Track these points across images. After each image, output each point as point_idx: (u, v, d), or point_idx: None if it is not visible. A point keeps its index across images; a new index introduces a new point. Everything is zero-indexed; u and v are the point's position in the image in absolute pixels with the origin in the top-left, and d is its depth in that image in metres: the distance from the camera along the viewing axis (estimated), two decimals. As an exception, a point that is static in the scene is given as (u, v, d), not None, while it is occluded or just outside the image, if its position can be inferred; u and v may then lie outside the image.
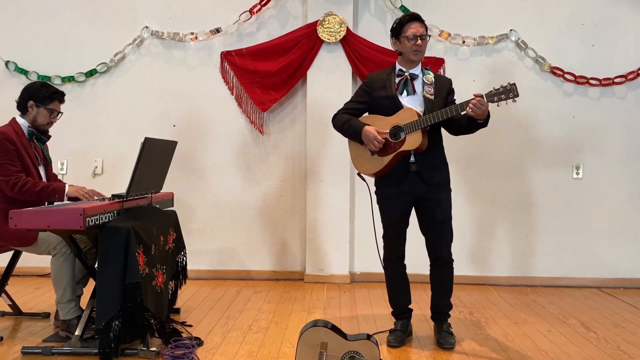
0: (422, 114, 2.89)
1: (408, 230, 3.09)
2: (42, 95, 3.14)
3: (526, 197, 4.48)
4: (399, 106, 2.94)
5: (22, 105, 3.16)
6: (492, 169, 4.41)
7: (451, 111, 2.80)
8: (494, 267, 4.49)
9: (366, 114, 3.10)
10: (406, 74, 2.99)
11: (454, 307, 3.18)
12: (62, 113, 3.26)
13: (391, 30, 3.04)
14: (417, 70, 3.01)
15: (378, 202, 3.10)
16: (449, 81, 3.08)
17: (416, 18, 2.99)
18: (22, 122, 3.15)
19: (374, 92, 3.05)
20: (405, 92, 2.98)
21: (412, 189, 2.97)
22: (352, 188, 4.49)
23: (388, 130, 2.92)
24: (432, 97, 2.94)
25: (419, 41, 2.93)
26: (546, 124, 4.46)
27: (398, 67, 3.03)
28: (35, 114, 3.15)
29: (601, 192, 4.47)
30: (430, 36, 3.05)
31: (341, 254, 4.45)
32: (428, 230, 3.04)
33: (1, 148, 2.99)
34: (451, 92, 3.04)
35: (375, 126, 2.95)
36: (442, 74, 4.19)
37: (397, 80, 3.00)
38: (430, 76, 3.01)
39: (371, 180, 3.13)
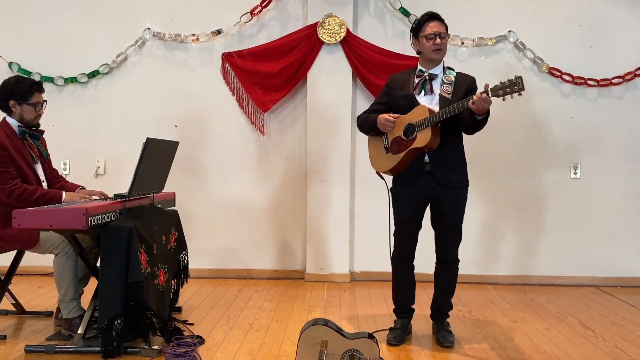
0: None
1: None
2: (20, 92, 3.07)
3: (525, 196, 4.48)
4: (415, 105, 2.93)
5: (4, 107, 3.10)
6: (491, 169, 4.41)
7: (458, 107, 2.76)
8: (493, 266, 4.50)
9: None
10: (425, 74, 2.97)
11: (454, 306, 3.17)
12: (47, 101, 3.19)
13: (411, 31, 3.03)
14: (437, 70, 2.98)
15: (392, 200, 3.07)
16: (471, 80, 2.99)
17: (435, 17, 2.96)
18: (12, 121, 3.10)
19: (393, 92, 3.05)
20: (423, 91, 2.96)
21: (425, 189, 2.95)
22: (352, 188, 4.49)
23: (402, 128, 2.91)
24: (448, 96, 2.89)
25: (438, 40, 2.90)
26: (544, 124, 4.45)
27: (419, 67, 3.01)
28: (20, 112, 3.09)
29: (599, 191, 4.47)
30: (449, 35, 3.00)
31: (341, 253, 4.45)
32: (438, 229, 3.03)
33: None
34: (471, 90, 2.91)
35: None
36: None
37: (416, 80, 2.99)
38: (451, 75, 2.97)
39: (389, 179, 3.11)
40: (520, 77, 2.66)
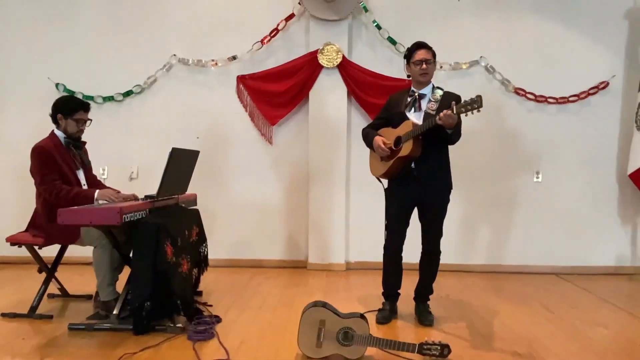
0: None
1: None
2: (67, 109, 3.09)
3: (496, 197, 4.47)
4: (405, 120, 2.93)
5: (54, 119, 3.12)
6: (468, 173, 4.39)
7: (430, 122, 2.76)
8: (469, 256, 4.49)
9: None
10: (415, 94, 2.97)
11: (434, 290, 3.17)
12: (91, 120, 3.19)
13: (404, 57, 3.03)
14: (426, 90, 2.97)
15: (385, 199, 3.08)
16: (456, 98, 2.87)
17: (422, 46, 2.95)
18: (59, 133, 3.11)
19: (391, 109, 3.06)
20: (413, 109, 2.96)
21: (412, 191, 2.95)
22: (348, 190, 4.50)
23: (393, 140, 2.94)
24: (432, 112, 2.87)
25: (424, 65, 2.91)
26: (512, 135, 4.45)
27: (412, 88, 3.02)
28: (65, 125, 3.10)
29: (558, 193, 4.46)
30: (436, 60, 2.99)
31: (338, 245, 4.45)
32: (423, 225, 3.04)
33: (40, 160, 2.97)
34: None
35: (385, 137, 2.99)
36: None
37: (408, 99, 2.99)
38: (438, 94, 2.94)
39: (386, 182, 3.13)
40: (480, 96, 2.60)
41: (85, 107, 3.15)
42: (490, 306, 3.42)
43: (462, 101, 2.68)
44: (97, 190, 3.06)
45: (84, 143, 3.24)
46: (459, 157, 4.29)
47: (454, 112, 2.67)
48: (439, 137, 2.85)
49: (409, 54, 2.98)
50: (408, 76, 3.03)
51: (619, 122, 4.44)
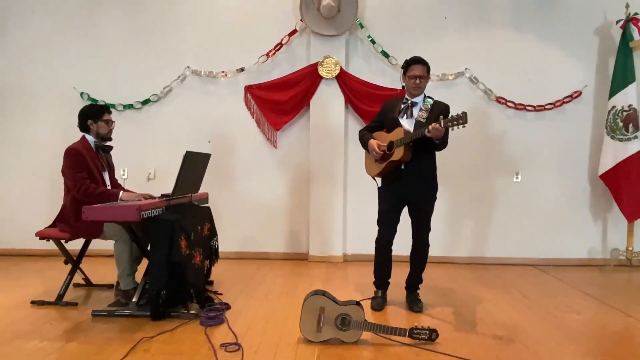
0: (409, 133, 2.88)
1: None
2: (94, 113, 3.12)
3: (479, 195, 4.49)
4: (398, 126, 2.94)
5: (83, 127, 3.14)
6: (454, 174, 4.40)
7: (419, 133, 2.79)
8: (455, 249, 4.51)
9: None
10: (408, 102, 2.98)
11: (423, 280, 3.18)
12: (115, 121, 3.23)
13: (402, 68, 3.02)
14: (418, 99, 2.97)
15: (378, 197, 3.09)
16: (445, 107, 2.93)
17: (418, 61, 2.93)
18: (90, 138, 3.13)
19: (386, 114, 3.06)
20: (405, 115, 2.97)
21: (401, 191, 2.96)
22: (345, 190, 4.51)
23: (386, 144, 2.96)
24: (423, 120, 2.89)
25: (418, 81, 2.91)
26: (494, 140, 4.47)
27: (405, 96, 3.02)
28: (96, 128, 3.12)
29: (535, 192, 4.47)
30: (429, 76, 2.99)
31: (336, 239, 4.46)
32: (413, 221, 3.05)
33: (72, 160, 2.98)
34: (443, 115, 2.81)
35: (379, 140, 3.01)
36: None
37: (402, 106, 3.00)
38: (428, 104, 2.95)
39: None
40: (465, 113, 2.63)
41: (108, 110, 3.21)
42: (474, 294, 3.43)
43: (450, 116, 2.70)
44: (122, 192, 3.07)
45: (111, 148, 3.26)
46: (446, 159, 4.29)
47: (442, 126, 2.69)
48: (427, 144, 2.87)
49: (406, 67, 2.98)
50: (403, 87, 3.04)
51: (590, 128, 4.46)
